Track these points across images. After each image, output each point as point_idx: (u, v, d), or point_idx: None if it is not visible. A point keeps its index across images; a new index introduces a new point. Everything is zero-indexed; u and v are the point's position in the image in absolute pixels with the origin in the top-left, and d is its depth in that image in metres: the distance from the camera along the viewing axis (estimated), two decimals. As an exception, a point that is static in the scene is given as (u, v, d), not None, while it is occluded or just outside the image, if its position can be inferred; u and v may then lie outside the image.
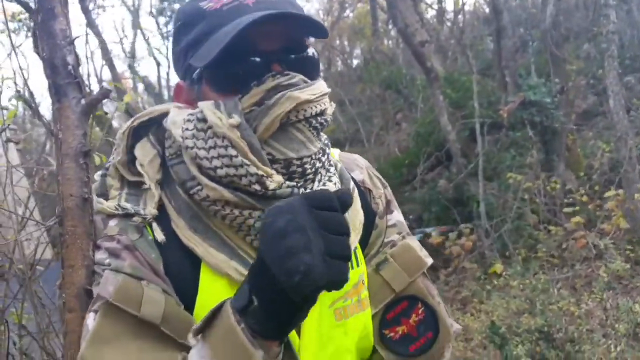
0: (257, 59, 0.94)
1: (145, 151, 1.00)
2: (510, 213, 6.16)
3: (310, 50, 1.00)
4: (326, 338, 0.99)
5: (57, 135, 0.97)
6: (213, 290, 0.94)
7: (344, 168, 1.13)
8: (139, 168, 0.99)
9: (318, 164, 0.98)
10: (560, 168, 6.63)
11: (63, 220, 0.95)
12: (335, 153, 1.17)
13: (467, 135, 7.87)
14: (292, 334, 0.94)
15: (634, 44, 10.17)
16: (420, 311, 1.07)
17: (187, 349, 0.89)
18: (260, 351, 0.78)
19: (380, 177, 1.22)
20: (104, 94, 1.02)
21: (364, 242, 1.09)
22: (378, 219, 1.13)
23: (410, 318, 1.07)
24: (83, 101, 0.99)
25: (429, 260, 1.12)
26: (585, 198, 5.58)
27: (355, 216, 1.07)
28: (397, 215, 1.18)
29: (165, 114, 1.01)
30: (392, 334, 1.06)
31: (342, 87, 13.09)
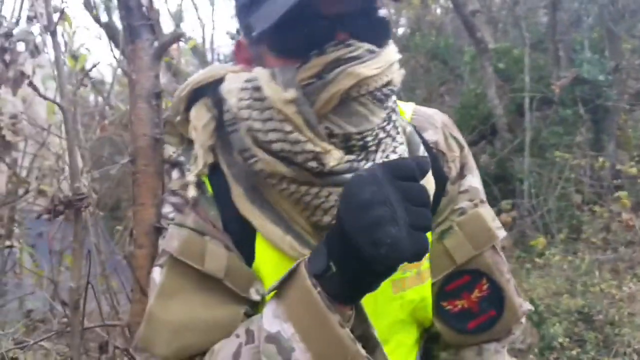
0: (321, 24, 0.86)
1: (200, 114, 0.98)
2: (555, 192, 6.04)
3: (382, 12, 0.91)
4: (381, 310, 0.97)
5: (131, 76, 0.98)
6: (266, 257, 0.94)
7: (415, 130, 1.05)
8: (192, 132, 0.97)
9: (382, 135, 0.93)
10: (609, 148, 6.45)
11: (135, 160, 0.97)
12: (408, 109, 1.11)
13: (514, 109, 7.69)
14: None
15: (694, 23, 9.72)
16: (484, 287, 1.01)
17: (248, 302, 0.91)
18: (337, 315, 0.77)
19: (459, 137, 1.13)
20: (176, 36, 1.03)
21: (432, 210, 1.03)
22: (450, 184, 1.07)
23: (473, 293, 1.01)
24: (156, 43, 1.00)
25: (502, 233, 1.05)
26: (635, 170, 5.39)
27: (425, 185, 1.02)
28: (470, 180, 1.10)
29: (221, 79, 0.98)
30: (450, 307, 1.02)
31: (387, 56, 12.88)
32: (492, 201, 6.73)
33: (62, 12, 1.59)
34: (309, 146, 0.86)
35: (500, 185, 7.03)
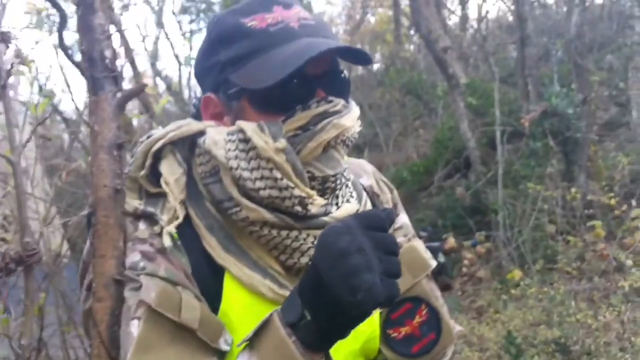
0: (303, 83, 0.96)
1: (171, 169, 1.01)
2: (529, 223, 6.10)
3: (344, 73, 1.03)
4: (339, 344, 0.98)
5: (93, 127, 0.99)
6: (235, 301, 0.97)
7: (353, 176, 1.15)
8: (164, 186, 0.99)
9: (343, 180, 1.03)
10: (580, 179, 6.56)
11: (95, 211, 0.96)
12: None
13: (486, 143, 7.82)
14: None
15: (658, 56, 10.02)
16: (423, 312, 1.09)
17: (218, 353, 0.92)
18: None
19: (387, 181, 1.25)
20: (140, 88, 1.04)
21: None
22: None
23: (414, 319, 1.08)
24: (119, 94, 1.00)
25: (433, 263, 1.14)
26: (613, 202, 5.49)
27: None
28: (403, 218, 1.21)
29: (198, 133, 1.02)
30: (395, 334, 1.07)
31: (361, 92, 13.09)
32: (468, 233, 6.78)
33: (22, 58, 1.59)
34: (297, 192, 0.93)
35: (476, 218, 7.09)
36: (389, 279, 0.77)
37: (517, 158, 7.18)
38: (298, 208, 0.94)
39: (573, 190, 5.95)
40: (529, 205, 6.22)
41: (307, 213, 0.95)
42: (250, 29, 0.97)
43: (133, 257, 0.95)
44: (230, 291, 0.96)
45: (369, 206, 1.12)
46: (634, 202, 5.48)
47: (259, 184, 0.94)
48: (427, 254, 1.15)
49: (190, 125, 1.03)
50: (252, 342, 0.86)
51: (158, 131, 1.04)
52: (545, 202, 6.10)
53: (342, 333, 0.83)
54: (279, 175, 0.93)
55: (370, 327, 1.06)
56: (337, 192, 1.01)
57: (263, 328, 0.84)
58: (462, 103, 7.40)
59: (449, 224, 7.33)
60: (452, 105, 7.98)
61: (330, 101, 0.96)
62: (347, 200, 1.04)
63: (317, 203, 0.96)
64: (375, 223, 0.80)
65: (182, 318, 0.89)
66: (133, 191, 1.03)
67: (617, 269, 5.19)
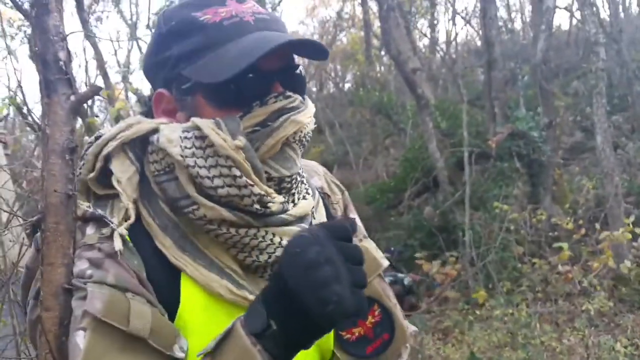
0: (259, 78, 0.95)
1: (124, 167, 0.98)
2: (495, 243, 6.16)
3: (300, 68, 1.03)
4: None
5: (45, 130, 0.95)
6: (193, 303, 0.94)
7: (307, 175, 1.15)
8: (116, 185, 0.96)
9: (299, 178, 1.02)
10: (546, 201, 6.66)
11: (45, 217, 0.91)
12: None
13: (454, 163, 7.90)
14: None
15: (622, 83, 10.32)
16: (376, 313, 1.08)
17: None
18: None
19: (338, 182, 1.26)
20: (94, 91, 1.00)
21: None
22: None
23: (367, 320, 1.07)
24: (72, 97, 0.97)
25: (385, 262, 1.14)
26: (571, 226, 5.58)
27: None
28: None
29: (152, 131, 0.98)
30: (348, 336, 1.06)
31: (332, 110, 13.16)
32: (437, 252, 6.81)
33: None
34: (256, 189, 0.92)
35: (444, 237, 7.13)
36: (357, 290, 0.77)
37: (484, 179, 7.26)
38: (257, 206, 0.93)
39: (539, 212, 6.04)
40: (497, 225, 6.28)
41: (267, 211, 0.94)
42: (204, 22, 0.95)
43: (80, 265, 0.91)
44: (188, 293, 0.94)
45: (320, 206, 1.12)
46: (597, 226, 5.57)
47: (217, 182, 0.92)
48: (378, 254, 1.15)
49: (141, 124, 0.99)
50: (214, 352, 0.83)
51: (107, 131, 1.01)
52: (512, 222, 6.17)
53: (310, 343, 0.83)
54: (237, 173, 0.91)
55: None
56: (292, 190, 1.01)
57: (225, 338, 0.82)
58: (431, 123, 7.49)
59: (417, 244, 7.35)
60: (421, 126, 8.06)
61: (289, 97, 0.96)
62: (304, 197, 1.04)
63: (277, 201, 0.95)
64: (342, 233, 0.80)
65: (130, 327, 0.86)
66: (81, 194, 0.99)
67: (581, 292, 5.26)
